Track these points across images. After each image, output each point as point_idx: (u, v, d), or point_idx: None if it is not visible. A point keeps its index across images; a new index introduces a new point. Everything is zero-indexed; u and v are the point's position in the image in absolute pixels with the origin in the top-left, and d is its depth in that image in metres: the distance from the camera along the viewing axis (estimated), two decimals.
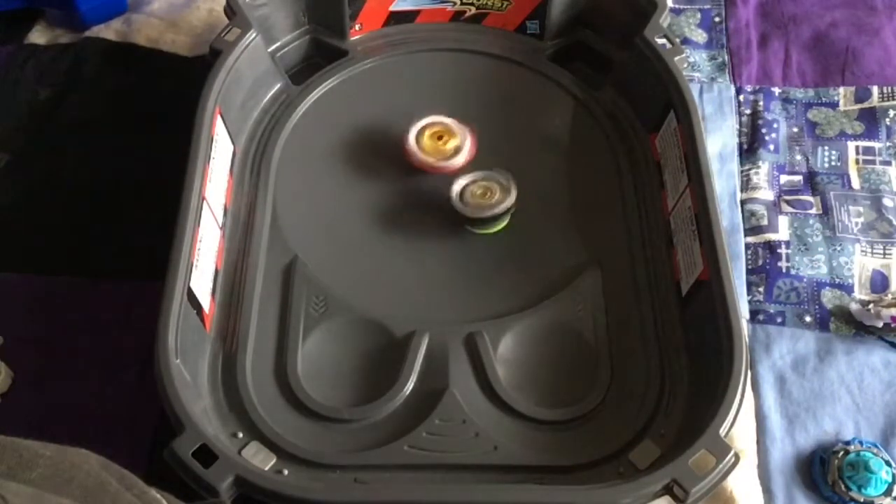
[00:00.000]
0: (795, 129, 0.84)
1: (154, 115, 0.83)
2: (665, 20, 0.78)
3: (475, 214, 0.71)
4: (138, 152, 0.80)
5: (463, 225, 0.72)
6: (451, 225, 0.73)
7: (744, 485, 0.62)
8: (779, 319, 0.71)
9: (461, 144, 0.74)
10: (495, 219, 0.71)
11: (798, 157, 0.82)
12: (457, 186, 0.72)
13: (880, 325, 0.69)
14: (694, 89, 0.84)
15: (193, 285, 0.62)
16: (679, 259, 0.68)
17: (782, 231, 0.76)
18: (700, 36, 0.91)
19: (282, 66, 0.82)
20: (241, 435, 0.61)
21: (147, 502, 0.47)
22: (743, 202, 0.79)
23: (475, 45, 0.85)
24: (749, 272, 0.74)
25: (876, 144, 0.82)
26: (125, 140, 0.82)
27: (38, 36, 0.91)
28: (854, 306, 0.71)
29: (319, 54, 0.84)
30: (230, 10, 0.78)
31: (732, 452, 0.55)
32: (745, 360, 0.59)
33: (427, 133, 0.75)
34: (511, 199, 0.71)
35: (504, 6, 0.85)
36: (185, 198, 0.64)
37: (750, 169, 0.81)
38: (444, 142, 0.74)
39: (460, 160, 0.74)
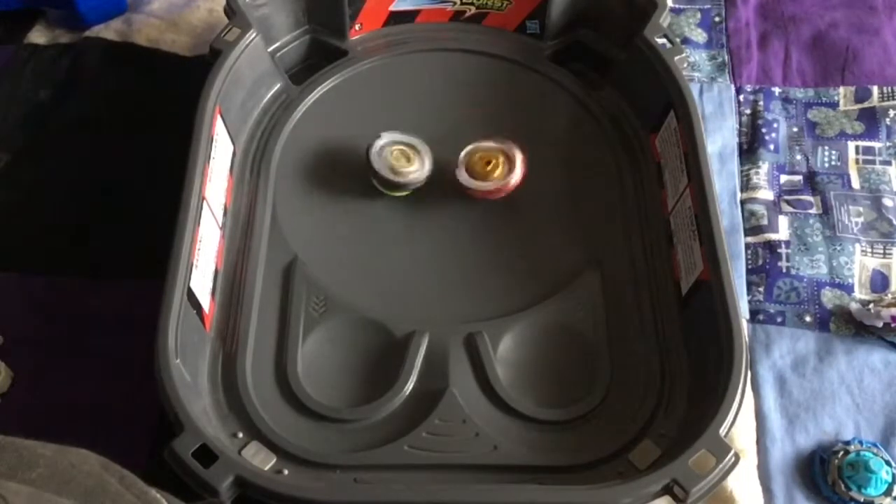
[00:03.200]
0: (795, 129, 0.84)
1: (154, 115, 0.83)
2: (665, 20, 0.78)
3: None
4: (138, 152, 0.80)
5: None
6: (452, 224, 0.73)
7: (744, 485, 0.62)
8: (779, 319, 0.71)
9: (512, 164, 0.72)
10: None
11: (798, 157, 0.82)
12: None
13: (880, 325, 0.69)
14: (694, 89, 0.84)
15: (193, 285, 0.62)
16: (679, 259, 0.68)
17: (782, 231, 0.76)
18: (700, 36, 0.91)
19: (282, 66, 0.82)
20: (241, 435, 0.61)
21: (147, 502, 0.47)
22: (743, 202, 0.79)
23: (475, 45, 0.85)
24: (749, 272, 0.74)
25: (876, 144, 0.82)
26: (125, 140, 0.82)
27: (38, 36, 0.91)
28: (854, 306, 0.71)
29: (319, 54, 0.84)
30: (230, 10, 0.78)
31: (732, 452, 0.55)
32: (745, 360, 0.59)
33: (475, 158, 0.73)
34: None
35: (504, 6, 0.85)
36: (185, 198, 0.64)
37: (750, 169, 0.81)
38: (493, 166, 0.72)
39: (513, 180, 0.72)
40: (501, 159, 0.72)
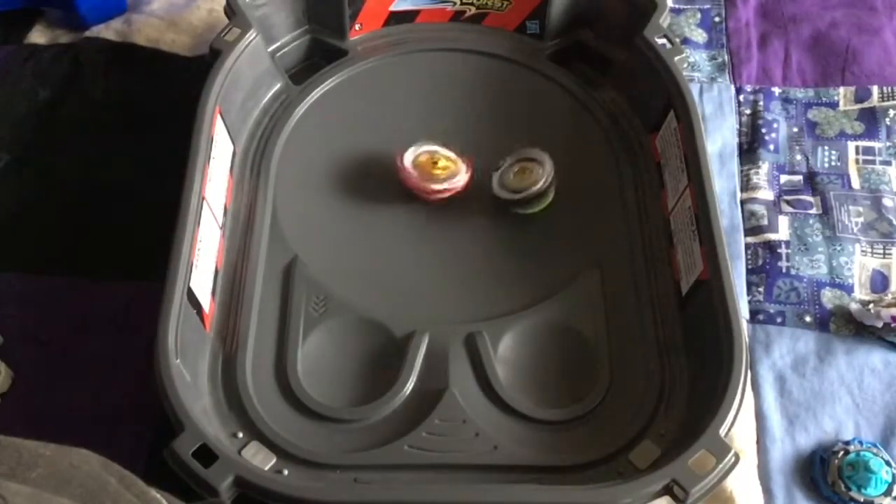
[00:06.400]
0: (795, 129, 0.84)
1: (154, 115, 0.83)
2: (665, 20, 0.78)
3: (519, 197, 0.71)
4: (138, 152, 0.80)
5: (509, 209, 0.72)
6: (452, 225, 0.73)
7: (744, 485, 0.62)
8: (779, 319, 0.71)
9: (456, 171, 0.73)
10: (539, 196, 0.72)
11: (798, 157, 0.82)
12: (496, 176, 0.73)
13: (880, 325, 0.69)
14: (694, 89, 0.84)
15: (193, 285, 0.62)
16: (679, 259, 0.68)
17: (782, 231, 0.76)
18: (700, 36, 0.91)
19: (282, 66, 0.82)
20: (241, 435, 0.61)
21: (147, 502, 0.47)
22: (743, 202, 0.79)
23: (475, 45, 0.85)
24: (749, 272, 0.74)
25: (876, 144, 0.82)
26: (125, 140, 0.82)
27: (38, 36, 0.91)
28: (854, 306, 0.71)
29: (319, 54, 0.84)
30: (230, 10, 0.78)
31: (732, 452, 0.55)
32: (745, 360, 0.59)
33: (423, 158, 0.73)
34: (549, 172, 0.72)
35: (504, 6, 0.85)
36: (185, 198, 0.64)
37: (750, 169, 0.81)
38: (441, 168, 0.73)
39: (457, 184, 0.73)
40: (451, 162, 0.73)
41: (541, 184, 0.72)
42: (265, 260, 0.70)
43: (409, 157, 0.73)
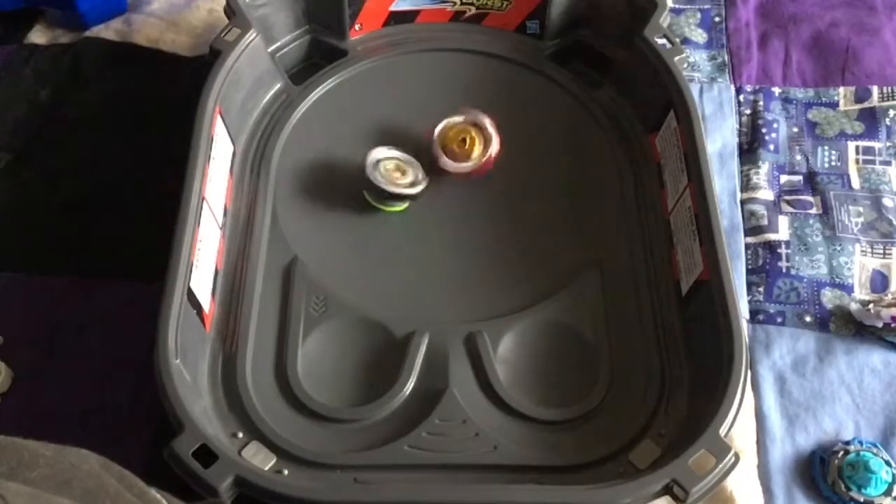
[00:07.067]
0: (795, 129, 0.84)
1: (154, 115, 0.83)
2: (665, 20, 0.78)
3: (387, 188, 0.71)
4: (138, 152, 0.80)
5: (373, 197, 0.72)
6: (452, 225, 0.73)
7: (744, 485, 0.62)
8: (779, 319, 0.71)
9: (486, 135, 0.75)
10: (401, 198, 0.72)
11: (798, 157, 0.82)
12: (372, 156, 0.72)
13: (880, 325, 0.69)
14: (694, 89, 0.84)
15: (193, 285, 0.62)
16: (679, 259, 0.68)
17: (782, 231, 0.76)
18: (700, 36, 0.91)
19: (282, 66, 0.82)
20: (241, 435, 0.61)
21: (147, 502, 0.47)
22: (743, 202, 0.79)
23: (475, 45, 0.85)
24: (749, 272, 0.74)
25: (876, 144, 0.82)
26: (125, 140, 0.82)
27: (38, 36, 0.91)
28: (854, 306, 0.71)
29: (319, 54, 0.84)
30: (230, 10, 0.78)
31: (732, 452, 0.55)
32: (745, 360, 0.59)
33: (450, 137, 0.74)
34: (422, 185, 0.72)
35: (504, 6, 0.85)
36: (185, 198, 0.64)
37: (750, 169, 0.81)
38: (470, 144, 0.74)
39: (493, 151, 0.74)
40: (474, 133, 0.74)
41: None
42: (265, 260, 0.70)
43: (439, 130, 0.75)
